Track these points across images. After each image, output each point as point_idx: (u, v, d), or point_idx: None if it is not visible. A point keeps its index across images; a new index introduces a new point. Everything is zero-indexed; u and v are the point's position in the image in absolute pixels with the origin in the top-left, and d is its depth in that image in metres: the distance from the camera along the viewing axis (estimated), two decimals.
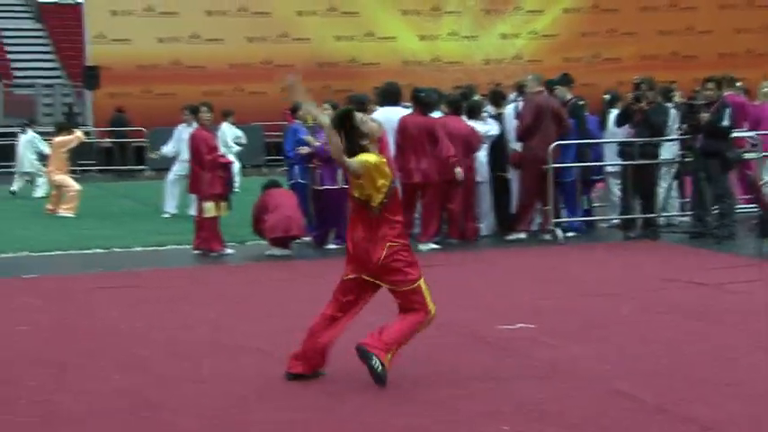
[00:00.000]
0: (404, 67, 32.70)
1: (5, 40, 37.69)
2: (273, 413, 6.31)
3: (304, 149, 13.21)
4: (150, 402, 6.59)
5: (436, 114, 13.67)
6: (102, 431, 5.99)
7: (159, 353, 7.96)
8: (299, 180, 13.52)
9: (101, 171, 29.86)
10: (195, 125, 13.91)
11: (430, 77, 28.83)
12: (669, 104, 14.82)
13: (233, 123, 21.33)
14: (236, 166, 18.33)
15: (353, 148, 6.71)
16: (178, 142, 17.12)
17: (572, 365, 7.33)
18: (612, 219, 14.98)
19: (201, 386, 6.95)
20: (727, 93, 14.64)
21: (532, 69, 25.37)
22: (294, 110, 14.02)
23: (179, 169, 17.19)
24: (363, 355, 6.60)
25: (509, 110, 14.56)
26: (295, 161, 13.53)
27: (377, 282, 6.82)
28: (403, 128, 13.11)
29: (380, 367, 6.58)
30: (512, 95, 15.70)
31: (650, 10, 35.28)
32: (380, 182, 6.71)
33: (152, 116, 28.78)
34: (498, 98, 15.33)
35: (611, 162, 14.65)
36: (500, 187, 14.35)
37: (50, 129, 22.64)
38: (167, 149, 17.85)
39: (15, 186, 22.30)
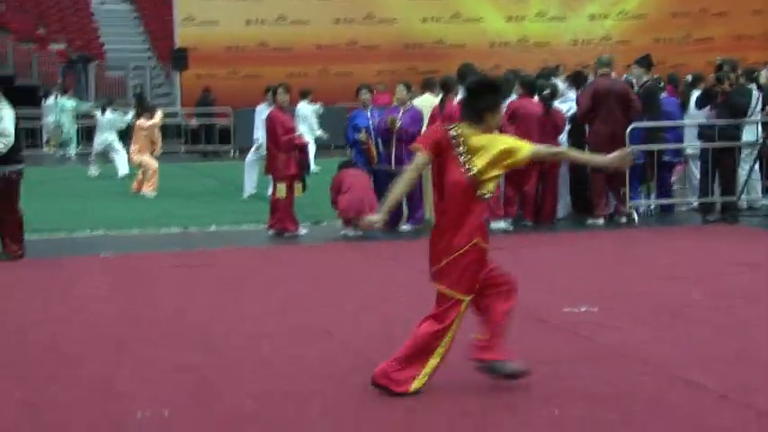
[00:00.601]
0: (490, 48, 32.54)
1: (99, 22, 38.38)
2: (332, 397, 6.29)
3: (363, 135, 13.40)
4: (209, 382, 6.63)
5: (511, 97, 13.53)
6: (159, 409, 6.03)
7: (222, 333, 7.99)
8: (357, 164, 13.57)
9: (188, 151, 30.26)
10: (273, 106, 13.98)
11: (517, 59, 28.65)
12: (752, 86, 14.49)
13: (310, 102, 21.36)
14: (313, 148, 18.35)
15: (475, 116, 6.25)
16: (262, 123, 17.11)
17: (637, 350, 7.22)
18: (691, 202, 14.74)
19: (263, 368, 6.95)
20: None
21: (621, 50, 25.11)
22: (357, 91, 14.15)
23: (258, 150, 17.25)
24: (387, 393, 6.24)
25: None
26: (351, 144, 13.74)
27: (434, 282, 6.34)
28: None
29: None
30: (591, 77, 15.50)
31: None
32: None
33: (238, 97, 29.06)
34: (580, 80, 15.17)
35: (690, 144, 14.41)
36: (576, 168, 14.20)
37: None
38: (258, 138, 17.75)
39: (94, 171, 22.47)
